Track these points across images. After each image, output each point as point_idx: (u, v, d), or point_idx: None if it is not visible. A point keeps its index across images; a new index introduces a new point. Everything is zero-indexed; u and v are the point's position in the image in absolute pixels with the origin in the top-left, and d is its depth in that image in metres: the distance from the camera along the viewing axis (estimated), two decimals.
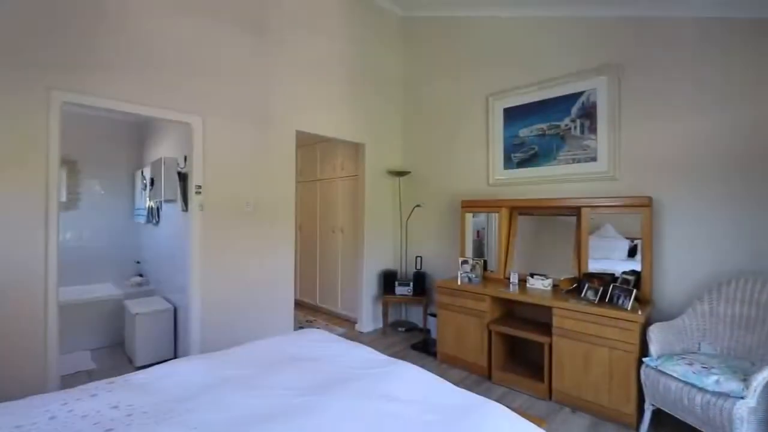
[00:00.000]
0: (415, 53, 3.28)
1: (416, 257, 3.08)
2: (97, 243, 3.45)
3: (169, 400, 1.05)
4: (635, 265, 2.04)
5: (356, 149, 3.12)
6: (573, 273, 2.21)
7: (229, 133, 2.32)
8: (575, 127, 2.33)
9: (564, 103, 2.38)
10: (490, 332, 2.23)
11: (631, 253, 2.16)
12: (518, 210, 2.59)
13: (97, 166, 3.43)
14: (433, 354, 2.53)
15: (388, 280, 2.99)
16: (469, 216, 2.76)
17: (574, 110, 2.33)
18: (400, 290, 2.91)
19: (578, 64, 2.32)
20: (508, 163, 2.66)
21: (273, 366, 1.26)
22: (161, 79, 2.07)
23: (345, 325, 3.16)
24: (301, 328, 3.13)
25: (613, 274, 2.05)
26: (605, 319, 1.79)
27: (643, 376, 1.64)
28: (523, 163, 2.59)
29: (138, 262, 3.56)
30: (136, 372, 1.26)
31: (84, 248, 3.41)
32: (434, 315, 2.74)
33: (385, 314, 3.00)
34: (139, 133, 3.60)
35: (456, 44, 2.97)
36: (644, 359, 1.65)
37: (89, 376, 2.26)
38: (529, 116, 2.56)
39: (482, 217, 2.77)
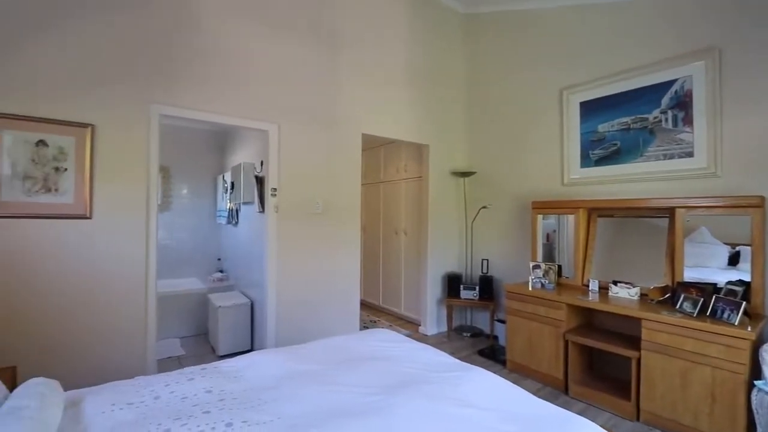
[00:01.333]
0: (478, 50, 3.19)
1: (482, 260, 2.98)
2: (184, 241, 3.82)
3: (255, 388, 1.12)
4: (738, 274, 1.79)
5: (420, 150, 3.11)
6: (664, 281, 1.99)
7: (301, 138, 2.43)
8: (666, 120, 2.10)
9: (652, 93, 2.16)
10: (566, 342, 2.08)
11: (732, 260, 1.89)
12: (598, 211, 2.40)
13: (185, 172, 3.80)
14: (502, 362, 2.43)
15: (453, 284, 2.93)
16: (539, 218, 2.61)
17: (665, 100, 2.11)
18: (465, 294, 2.84)
19: (669, 49, 2.10)
20: (586, 160, 2.48)
21: (346, 363, 1.30)
22: (242, 90, 2.24)
23: (408, 327, 3.16)
24: (366, 327, 3.20)
25: (714, 284, 1.80)
26: (707, 335, 1.59)
27: (755, 402, 1.43)
28: (602, 161, 2.39)
29: (219, 259, 3.87)
30: (225, 360, 1.37)
31: (173, 246, 3.78)
32: (502, 321, 2.65)
33: (449, 318, 2.94)
34: (221, 140, 3.93)
35: (522, 38, 2.83)
36: (756, 382, 1.43)
37: (179, 362, 2.51)
38: (609, 109, 2.36)
39: (552, 219, 2.61)
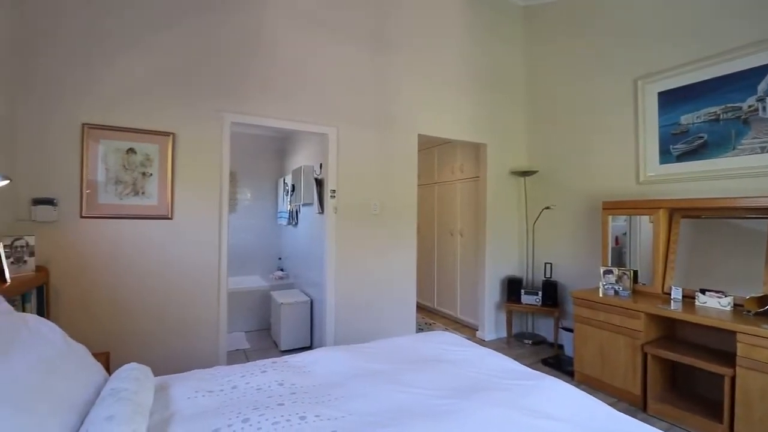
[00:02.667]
0: (538, 44, 3.04)
1: (545, 264, 2.83)
2: (248, 241, 4.05)
3: (324, 384, 1.15)
4: None
5: (477, 150, 3.03)
6: (764, 291, 1.76)
7: (359, 140, 2.48)
8: (764, 108, 1.86)
9: (745, 79, 1.93)
10: (645, 355, 1.90)
11: None
12: (681, 212, 2.18)
13: (249, 176, 4.05)
14: (569, 373, 2.28)
15: (513, 288, 2.81)
16: (610, 219, 2.43)
17: (763, 87, 1.87)
18: (526, 299, 2.71)
19: (765, 29, 1.86)
20: (665, 156, 2.26)
21: (412, 364, 1.28)
22: (303, 96, 2.34)
23: (465, 331, 3.08)
24: (421, 330, 3.17)
25: None
26: None
27: None
28: (686, 156, 2.17)
29: (280, 259, 4.06)
30: (293, 355, 1.42)
31: (238, 245, 4.02)
32: (569, 329, 2.50)
33: (509, 324, 2.82)
34: (281, 145, 4.13)
35: (589, 27, 2.66)
36: None
37: (245, 355, 2.66)
38: (693, 99, 2.14)
39: (621, 221, 2.41)
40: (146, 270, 2.02)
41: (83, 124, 1.99)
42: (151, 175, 2.12)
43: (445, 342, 1.56)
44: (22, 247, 1.74)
